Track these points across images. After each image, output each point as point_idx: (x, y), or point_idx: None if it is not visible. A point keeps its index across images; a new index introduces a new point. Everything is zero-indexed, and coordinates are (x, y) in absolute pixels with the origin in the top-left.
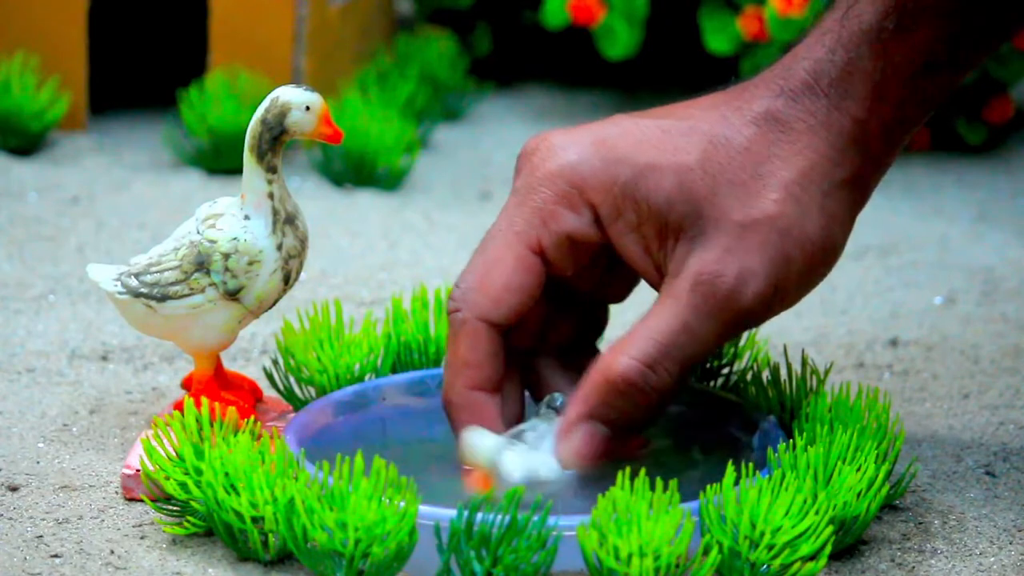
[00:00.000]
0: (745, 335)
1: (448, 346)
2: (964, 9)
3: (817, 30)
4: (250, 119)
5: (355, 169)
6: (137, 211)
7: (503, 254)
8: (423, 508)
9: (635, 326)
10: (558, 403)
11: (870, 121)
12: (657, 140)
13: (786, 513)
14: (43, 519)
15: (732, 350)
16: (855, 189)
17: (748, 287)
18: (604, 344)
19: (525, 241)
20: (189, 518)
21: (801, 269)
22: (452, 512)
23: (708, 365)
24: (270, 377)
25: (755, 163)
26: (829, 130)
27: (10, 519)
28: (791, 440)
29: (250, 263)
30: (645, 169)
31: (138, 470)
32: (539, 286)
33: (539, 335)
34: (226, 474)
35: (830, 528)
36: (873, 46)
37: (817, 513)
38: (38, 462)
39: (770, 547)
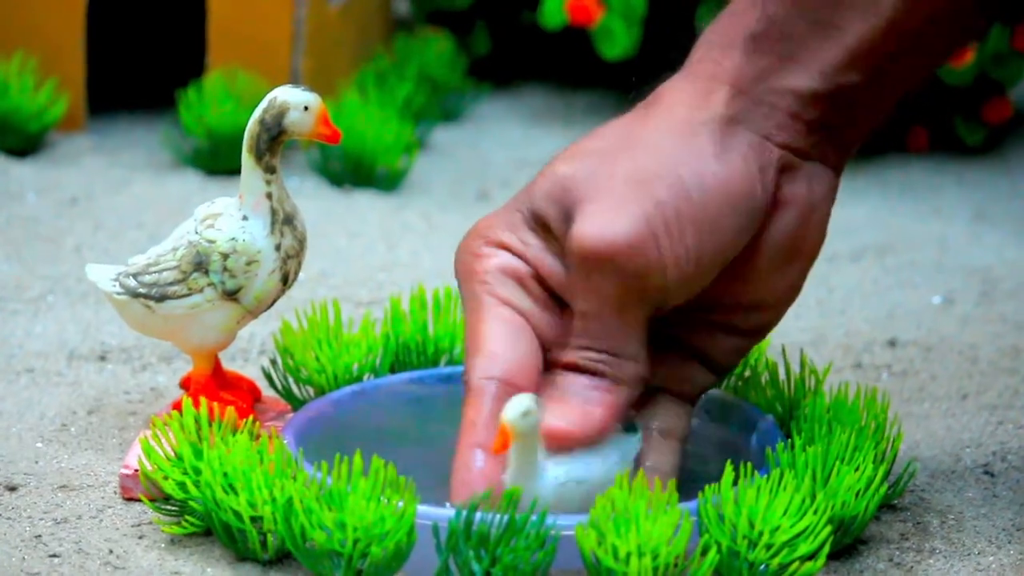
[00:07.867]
0: None
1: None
2: None
3: None
4: (248, 119)
5: (353, 169)
6: (135, 211)
7: (478, 318)
8: (421, 508)
9: None
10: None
11: (744, 67)
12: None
13: (784, 513)
14: (41, 519)
15: None
16: (731, 125)
17: (610, 235)
18: None
19: (488, 301)
20: (187, 518)
21: (685, 208)
22: (451, 512)
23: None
24: (268, 377)
25: (622, 139)
26: (693, 80)
27: (9, 519)
28: (789, 440)
29: (248, 263)
30: (530, 189)
31: (136, 470)
32: (521, 326)
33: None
34: (224, 474)
35: (828, 528)
36: None
37: (815, 513)
38: (37, 462)
39: (768, 547)
